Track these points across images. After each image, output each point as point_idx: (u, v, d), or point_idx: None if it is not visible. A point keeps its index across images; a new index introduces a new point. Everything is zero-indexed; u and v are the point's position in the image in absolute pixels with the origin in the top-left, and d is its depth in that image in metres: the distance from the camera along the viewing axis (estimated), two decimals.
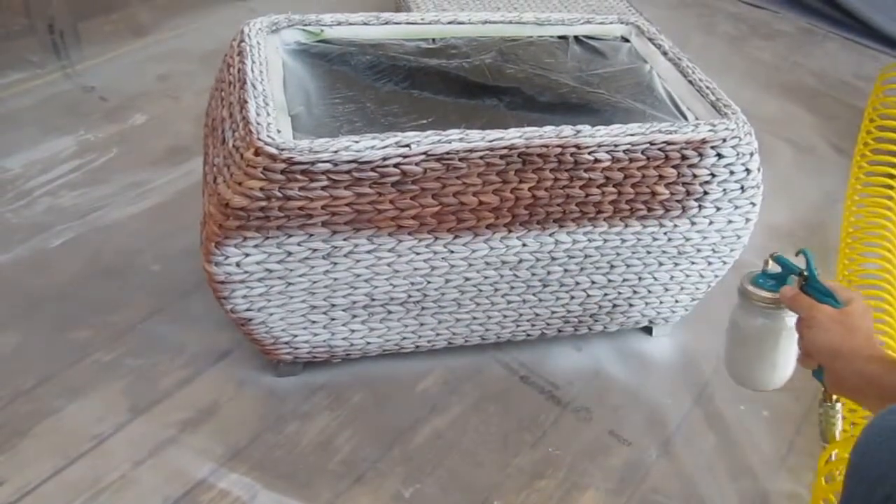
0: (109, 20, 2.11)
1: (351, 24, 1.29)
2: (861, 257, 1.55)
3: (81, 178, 1.65)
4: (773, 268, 0.99)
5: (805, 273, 0.93)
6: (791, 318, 0.96)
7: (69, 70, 1.98)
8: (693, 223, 1.18)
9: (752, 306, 1.00)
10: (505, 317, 1.25)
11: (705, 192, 1.14)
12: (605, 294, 1.26)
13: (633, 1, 2.37)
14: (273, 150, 0.96)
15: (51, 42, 1.99)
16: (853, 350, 0.85)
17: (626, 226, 1.15)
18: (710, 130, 1.11)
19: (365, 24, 1.30)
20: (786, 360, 1.01)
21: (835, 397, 0.93)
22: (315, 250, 1.04)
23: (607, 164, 1.08)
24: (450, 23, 1.33)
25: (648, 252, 1.20)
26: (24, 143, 1.72)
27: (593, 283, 1.23)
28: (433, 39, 1.31)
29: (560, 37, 1.37)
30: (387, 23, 1.31)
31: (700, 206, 1.16)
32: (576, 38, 1.37)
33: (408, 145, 0.99)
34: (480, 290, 1.19)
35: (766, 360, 1.02)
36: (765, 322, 1.00)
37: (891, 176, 1.70)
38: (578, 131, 1.06)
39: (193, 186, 1.57)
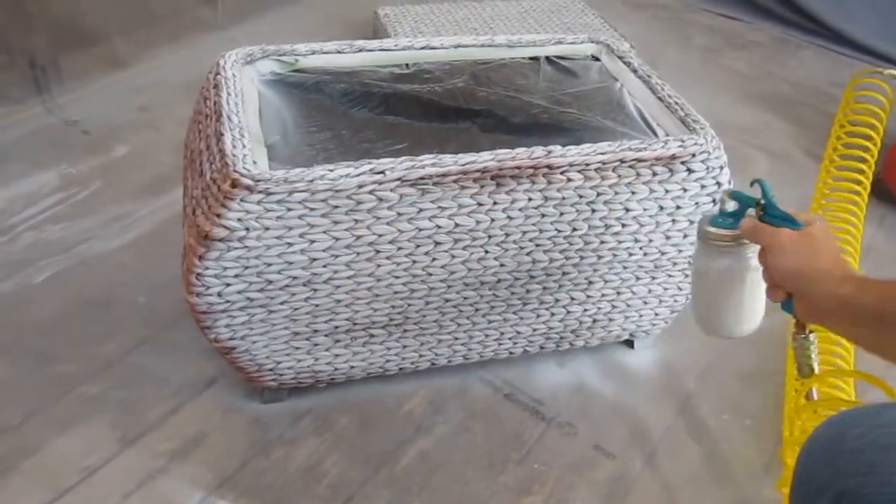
0: (90, 53, 2.12)
1: (325, 52, 1.31)
2: None
3: (65, 212, 1.66)
4: (731, 206, 0.95)
5: (762, 202, 0.89)
6: (756, 257, 0.91)
7: (51, 104, 1.99)
8: (668, 237, 1.19)
9: (713, 248, 0.95)
10: (487, 336, 1.27)
11: (678, 207, 1.16)
12: (585, 310, 1.28)
13: (607, 17, 2.40)
14: (249, 182, 0.98)
15: (32, 77, 2.00)
16: (822, 271, 0.80)
17: (602, 242, 1.16)
18: (680, 146, 1.13)
19: (339, 52, 1.31)
20: (754, 301, 0.96)
21: (808, 328, 0.90)
22: (295, 278, 1.06)
23: (579, 182, 1.09)
24: (423, 48, 1.35)
25: (625, 267, 1.22)
26: (7, 179, 1.73)
27: (572, 299, 1.25)
28: (406, 65, 1.33)
29: (532, 58, 1.39)
30: (360, 50, 1.33)
31: (673, 221, 1.18)
32: (547, 58, 1.39)
33: (382, 172, 1.01)
34: (461, 311, 1.20)
35: (734, 303, 0.97)
36: (728, 262, 0.95)
37: (858, 182, 1.73)
38: (550, 151, 1.08)
39: (177, 217, 1.57)
